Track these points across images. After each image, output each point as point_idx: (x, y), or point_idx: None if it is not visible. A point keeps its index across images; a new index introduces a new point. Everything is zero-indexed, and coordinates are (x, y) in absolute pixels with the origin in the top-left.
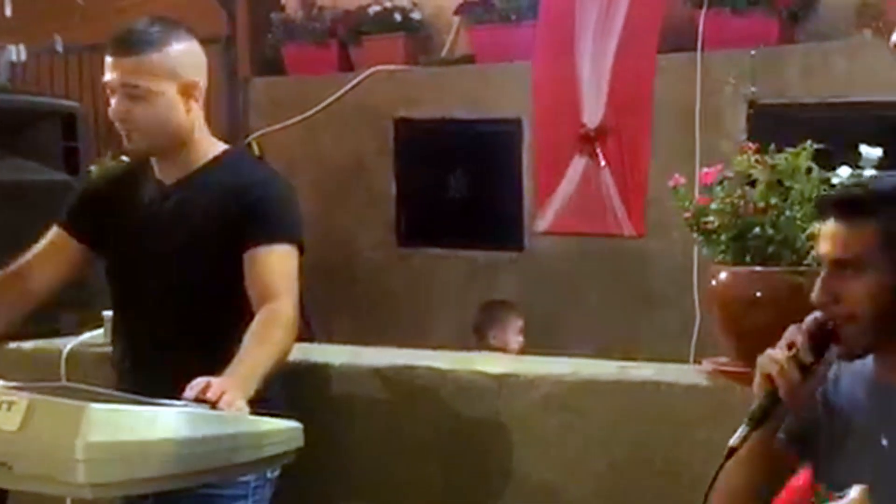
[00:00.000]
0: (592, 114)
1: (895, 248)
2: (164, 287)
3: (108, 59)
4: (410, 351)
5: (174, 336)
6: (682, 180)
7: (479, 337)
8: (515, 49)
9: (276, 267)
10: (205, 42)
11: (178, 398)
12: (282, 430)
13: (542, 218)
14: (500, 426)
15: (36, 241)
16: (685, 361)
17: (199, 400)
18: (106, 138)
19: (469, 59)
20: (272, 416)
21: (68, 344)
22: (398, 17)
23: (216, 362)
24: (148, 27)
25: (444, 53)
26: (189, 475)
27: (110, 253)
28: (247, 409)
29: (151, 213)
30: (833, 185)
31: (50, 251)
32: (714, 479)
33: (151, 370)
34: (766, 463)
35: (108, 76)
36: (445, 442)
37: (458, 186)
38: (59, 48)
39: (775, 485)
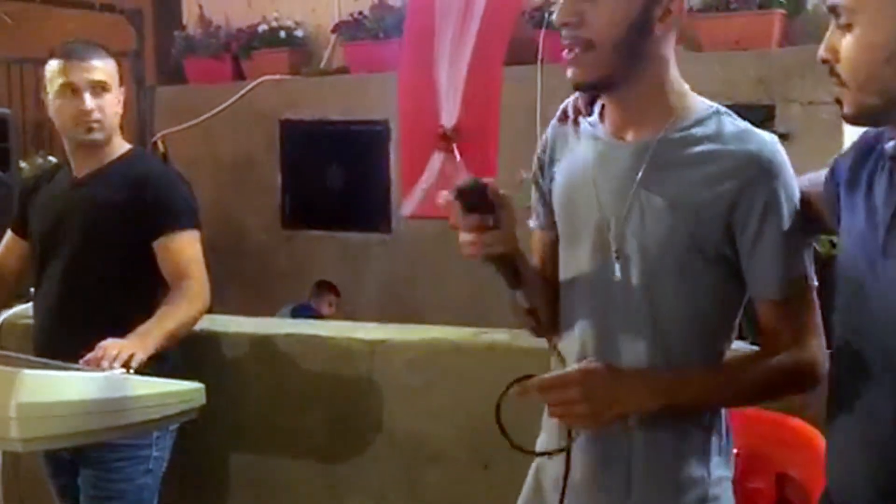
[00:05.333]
0: (449, 116)
1: None
2: (70, 270)
3: (70, 64)
4: (293, 320)
5: (79, 315)
6: (525, 175)
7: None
8: (384, 61)
9: (185, 251)
10: (117, 55)
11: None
12: (186, 390)
13: (408, 204)
14: (372, 384)
15: None
16: None
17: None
18: (33, 140)
19: (344, 70)
20: (174, 376)
21: (2, 316)
22: (283, 34)
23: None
24: (92, 44)
25: (322, 65)
26: (105, 430)
27: (31, 240)
28: (141, 358)
29: (62, 202)
30: None
31: (7, 253)
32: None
33: (59, 345)
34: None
35: (74, 77)
36: (325, 399)
37: (334, 178)
38: None
39: None
